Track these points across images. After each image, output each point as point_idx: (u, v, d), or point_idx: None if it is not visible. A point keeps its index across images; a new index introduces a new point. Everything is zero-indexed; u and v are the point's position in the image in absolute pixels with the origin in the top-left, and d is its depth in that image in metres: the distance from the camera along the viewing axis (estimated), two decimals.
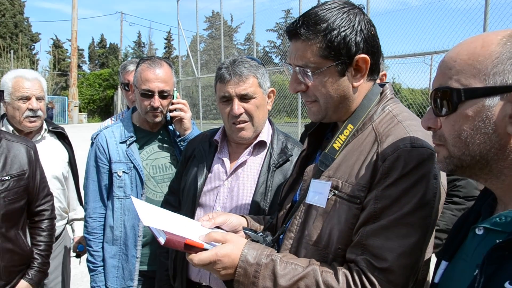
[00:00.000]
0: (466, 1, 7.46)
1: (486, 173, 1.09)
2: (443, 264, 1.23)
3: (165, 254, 2.50)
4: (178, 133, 2.83)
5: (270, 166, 2.21)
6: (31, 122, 2.96)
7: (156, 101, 2.63)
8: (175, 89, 2.75)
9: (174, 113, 2.73)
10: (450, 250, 1.23)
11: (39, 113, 2.98)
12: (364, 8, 1.51)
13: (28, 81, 2.96)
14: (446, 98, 1.07)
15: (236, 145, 2.32)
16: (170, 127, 2.88)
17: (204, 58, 18.88)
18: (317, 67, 1.44)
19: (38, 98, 2.97)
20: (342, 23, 1.41)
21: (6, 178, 2.40)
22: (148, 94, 2.63)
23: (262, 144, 2.29)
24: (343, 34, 1.40)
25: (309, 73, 1.46)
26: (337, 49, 1.41)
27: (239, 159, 2.26)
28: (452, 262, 1.21)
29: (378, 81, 2.50)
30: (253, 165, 2.25)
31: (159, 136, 2.86)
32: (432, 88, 1.13)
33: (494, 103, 1.00)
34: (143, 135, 2.82)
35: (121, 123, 2.84)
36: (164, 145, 2.85)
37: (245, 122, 2.19)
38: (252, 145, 2.27)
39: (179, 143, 2.80)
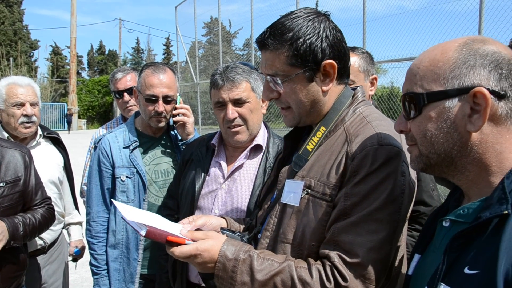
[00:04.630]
0: (461, 4, 7.52)
1: (452, 170, 1.17)
2: (416, 257, 1.32)
3: (165, 257, 2.54)
4: (180, 138, 2.88)
5: (266, 169, 2.26)
6: (26, 128, 2.98)
7: (161, 106, 2.68)
8: (178, 94, 2.81)
9: (177, 118, 2.77)
10: (422, 243, 1.32)
11: (34, 118, 3.01)
12: (330, 15, 1.57)
13: (22, 88, 2.99)
14: (413, 102, 1.18)
15: (232, 148, 2.38)
16: (172, 132, 2.93)
17: (203, 64, 18.91)
18: (286, 75, 1.52)
19: (32, 104, 3.01)
20: (307, 31, 1.48)
21: (1, 184, 2.40)
22: (152, 99, 2.68)
23: (258, 147, 2.35)
24: (308, 41, 1.47)
25: (279, 81, 1.53)
26: (304, 57, 1.48)
27: (236, 162, 2.32)
28: (424, 254, 1.29)
29: (368, 84, 2.58)
30: (250, 168, 2.31)
31: (162, 142, 2.91)
32: (402, 94, 1.23)
33: (454, 104, 1.11)
34: (145, 140, 2.86)
35: (124, 128, 2.88)
36: (167, 150, 2.89)
37: (240, 126, 2.25)
38: (248, 149, 2.33)
39: (181, 147, 2.84)
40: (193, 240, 1.48)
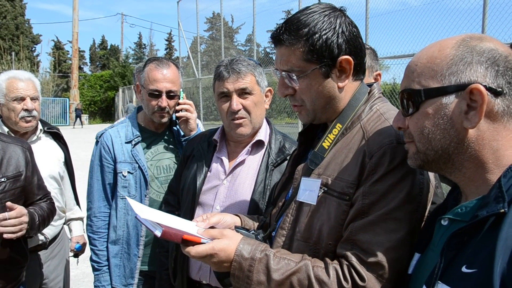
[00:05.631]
0: (465, 1, 7.47)
1: (449, 167, 1.18)
2: (416, 256, 1.31)
3: (166, 254, 2.53)
4: (182, 134, 2.86)
5: (268, 165, 2.25)
6: (27, 122, 2.97)
7: (164, 101, 2.67)
8: (181, 89, 2.79)
9: (180, 113, 2.76)
10: (422, 242, 1.31)
11: (34, 113, 2.99)
12: (346, 10, 1.55)
13: (22, 82, 2.97)
14: (410, 99, 1.19)
15: (234, 144, 2.36)
16: (175, 128, 2.91)
17: (205, 59, 18.88)
18: (301, 71, 1.49)
19: (32, 98, 2.99)
20: (323, 26, 1.45)
21: (2, 179, 2.39)
22: (155, 94, 2.67)
23: (260, 143, 2.33)
24: (324, 37, 1.44)
25: (294, 77, 1.51)
26: (320, 52, 1.46)
27: (238, 158, 2.30)
28: (424, 253, 1.28)
29: (372, 80, 2.55)
30: (252, 164, 2.29)
31: (164, 137, 2.89)
32: (399, 91, 1.24)
33: (451, 101, 1.12)
34: (148, 135, 2.85)
35: (126, 123, 2.86)
36: (169, 146, 2.88)
37: (243, 118, 2.24)
38: (250, 144, 2.31)
39: (184, 143, 2.82)
40: (210, 239, 1.46)
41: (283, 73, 1.53)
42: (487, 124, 1.10)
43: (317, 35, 1.44)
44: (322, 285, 1.33)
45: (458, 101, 1.10)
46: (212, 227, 1.68)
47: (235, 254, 1.41)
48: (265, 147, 2.32)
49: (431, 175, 1.48)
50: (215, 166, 2.33)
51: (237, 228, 1.68)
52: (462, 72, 1.09)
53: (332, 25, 1.46)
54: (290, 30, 1.48)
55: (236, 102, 2.21)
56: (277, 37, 1.52)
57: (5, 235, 2.25)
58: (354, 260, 1.33)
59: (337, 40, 1.46)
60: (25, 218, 2.29)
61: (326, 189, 1.46)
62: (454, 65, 1.10)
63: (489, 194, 1.05)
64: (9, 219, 2.24)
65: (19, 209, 2.30)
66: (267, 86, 2.35)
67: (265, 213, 1.88)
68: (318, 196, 1.47)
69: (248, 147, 2.31)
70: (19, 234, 2.30)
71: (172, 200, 2.53)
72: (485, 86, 1.06)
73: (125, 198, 2.71)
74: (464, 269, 1.01)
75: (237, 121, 2.24)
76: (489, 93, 1.07)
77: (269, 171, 2.22)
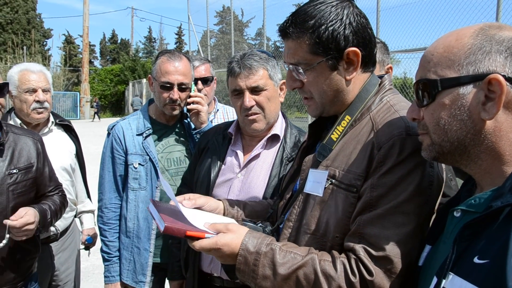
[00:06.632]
0: None
1: (465, 159, 1.15)
2: (427, 248, 1.29)
3: (178, 245, 2.53)
4: (193, 126, 2.86)
5: (283, 159, 2.22)
6: (38, 113, 2.98)
7: (175, 94, 2.67)
8: (193, 82, 2.79)
9: (191, 106, 2.76)
10: (433, 234, 1.29)
11: (46, 104, 3.01)
12: (355, 0, 1.51)
13: (34, 74, 2.99)
14: (426, 89, 1.16)
15: (249, 138, 2.34)
16: (186, 120, 2.91)
17: (215, 53, 18.87)
18: (308, 64, 1.47)
19: (44, 90, 3.01)
20: (329, 17, 1.42)
21: (14, 171, 2.39)
22: (167, 87, 2.67)
23: (275, 137, 2.30)
24: (330, 29, 1.41)
25: (301, 70, 1.48)
26: (326, 45, 1.42)
27: (253, 152, 2.27)
28: (435, 245, 1.26)
29: (384, 73, 2.51)
30: (266, 158, 2.26)
31: (175, 130, 2.89)
32: (414, 81, 1.20)
33: (468, 91, 1.08)
34: (159, 128, 2.84)
35: (137, 115, 2.86)
36: (180, 138, 2.88)
37: (257, 114, 2.21)
38: (266, 138, 2.28)
39: (195, 136, 2.83)
40: (215, 233, 1.45)
41: (290, 66, 1.51)
42: (505, 115, 1.07)
43: (323, 27, 1.41)
44: (329, 279, 1.30)
45: (476, 91, 1.07)
46: (198, 208, 1.73)
47: (240, 248, 1.40)
48: (280, 141, 2.29)
49: (444, 167, 1.44)
50: (229, 159, 2.31)
51: (244, 221, 1.68)
52: (480, 62, 1.06)
53: (339, 16, 1.42)
54: (296, 23, 1.46)
55: (249, 98, 2.18)
56: (283, 30, 1.50)
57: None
58: (362, 254, 1.30)
59: (344, 32, 1.42)
60: (30, 226, 2.27)
61: (333, 181, 1.44)
62: (472, 54, 1.07)
63: (504, 184, 1.03)
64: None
65: (23, 220, 2.24)
66: (281, 79, 2.31)
67: (273, 205, 1.87)
68: (325, 188, 1.45)
69: (263, 141, 2.28)
70: (23, 238, 2.29)
71: (186, 192, 2.49)
72: (504, 76, 1.03)
73: (137, 190, 2.72)
74: (476, 260, 0.99)
75: (251, 117, 2.21)
76: (508, 83, 1.04)
77: (283, 165, 2.19)
